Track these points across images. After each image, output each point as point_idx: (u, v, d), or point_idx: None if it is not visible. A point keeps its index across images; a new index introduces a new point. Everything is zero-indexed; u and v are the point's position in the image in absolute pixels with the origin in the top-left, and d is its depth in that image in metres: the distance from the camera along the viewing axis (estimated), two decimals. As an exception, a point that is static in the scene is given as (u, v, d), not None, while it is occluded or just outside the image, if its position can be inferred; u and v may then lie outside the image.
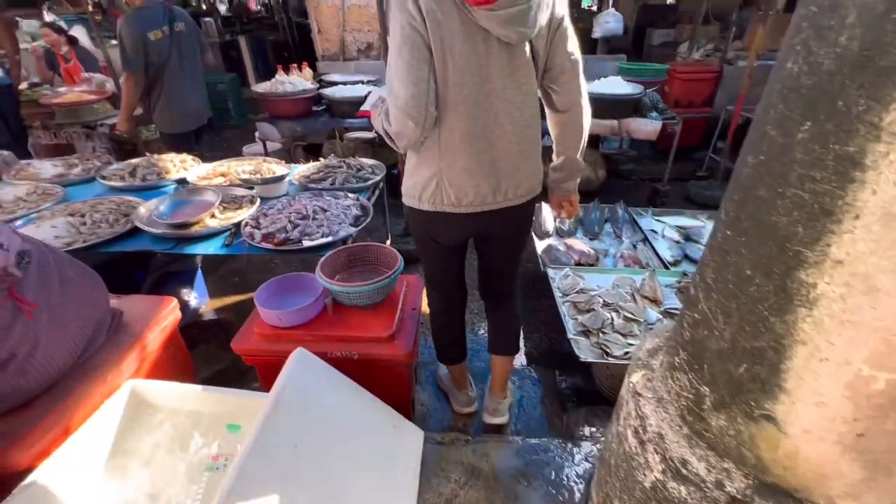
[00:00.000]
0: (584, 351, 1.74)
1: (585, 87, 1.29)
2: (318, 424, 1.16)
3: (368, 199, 1.98)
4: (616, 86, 3.26)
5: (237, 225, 1.76)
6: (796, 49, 0.58)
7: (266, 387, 1.54)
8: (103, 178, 2.18)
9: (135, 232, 1.75)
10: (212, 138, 5.75)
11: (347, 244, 1.67)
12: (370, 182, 2.13)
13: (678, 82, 4.20)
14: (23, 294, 1.10)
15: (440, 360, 1.76)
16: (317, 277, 1.46)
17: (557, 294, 2.01)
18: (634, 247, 2.47)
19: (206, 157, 2.56)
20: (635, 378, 0.97)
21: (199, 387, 1.27)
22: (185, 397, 1.27)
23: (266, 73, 6.21)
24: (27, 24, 5.79)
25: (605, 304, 1.94)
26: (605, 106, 3.16)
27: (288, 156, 3.39)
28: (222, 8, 10.64)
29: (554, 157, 1.42)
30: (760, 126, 0.66)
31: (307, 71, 3.56)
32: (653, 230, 2.63)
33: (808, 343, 0.62)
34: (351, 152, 3.48)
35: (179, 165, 2.33)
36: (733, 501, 0.73)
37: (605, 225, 2.73)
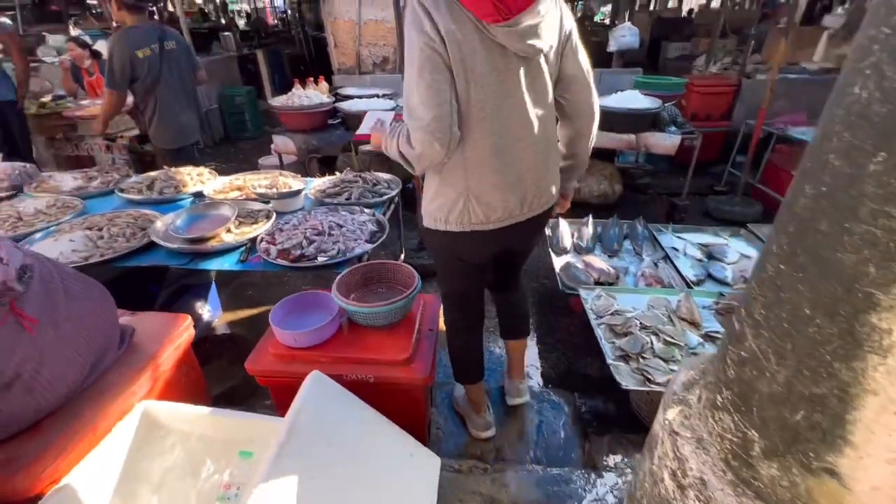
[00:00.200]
0: (626, 377, 1.64)
1: (596, 95, 1.33)
2: (334, 453, 1.12)
3: (384, 214, 1.96)
4: (635, 100, 3.19)
5: (253, 240, 1.74)
6: (865, 73, 0.54)
7: (279, 408, 1.50)
8: (121, 190, 2.20)
9: (151, 246, 1.74)
10: (228, 149, 5.84)
11: (363, 261, 1.64)
12: (386, 197, 2.10)
13: (696, 96, 4.15)
14: (23, 309, 1.08)
15: (459, 381, 1.72)
16: (333, 297, 1.42)
17: (591, 316, 1.93)
18: (655, 265, 2.40)
19: (221, 170, 2.57)
20: (671, 415, 0.90)
21: (211, 409, 1.24)
22: (197, 420, 1.23)
23: (283, 87, 6.32)
24: (53, 39, 5.99)
25: (644, 327, 1.86)
26: (623, 120, 3.10)
27: (303, 168, 3.40)
28: (241, 22, 10.93)
29: (562, 160, 1.46)
30: (820, 154, 0.61)
31: (323, 84, 3.58)
32: (674, 247, 2.55)
33: (881, 394, 0.56)
34: (366, 165, 3.47)
35: (196, 179, 2.34)
36: (789, 561, 0.67)
37: (623, 242, 2.66)
